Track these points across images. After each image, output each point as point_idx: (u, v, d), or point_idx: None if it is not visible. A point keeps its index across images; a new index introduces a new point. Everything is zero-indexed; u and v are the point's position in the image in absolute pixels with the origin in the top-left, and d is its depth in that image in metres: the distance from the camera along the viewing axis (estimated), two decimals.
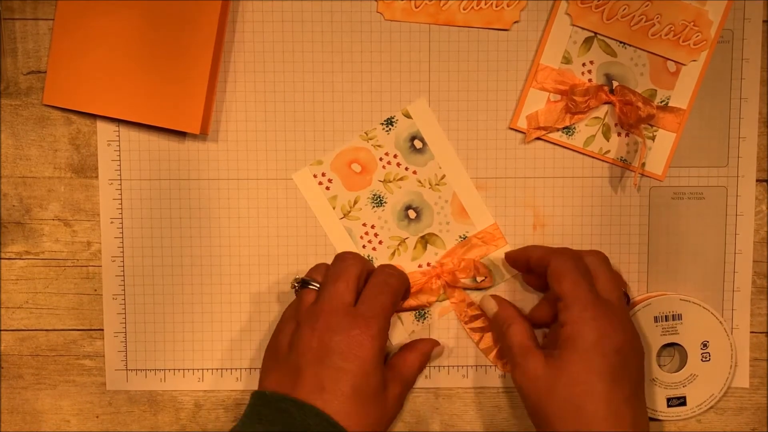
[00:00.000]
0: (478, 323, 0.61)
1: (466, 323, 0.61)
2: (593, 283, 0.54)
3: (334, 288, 0.54)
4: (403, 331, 0.61)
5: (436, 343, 0.60)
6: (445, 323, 0.62)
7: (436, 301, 0.61)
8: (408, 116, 0.61)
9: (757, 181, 0.61)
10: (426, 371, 0.62)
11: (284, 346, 0.54)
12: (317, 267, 0.57)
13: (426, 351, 0.59)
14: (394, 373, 0.56)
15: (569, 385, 0.51)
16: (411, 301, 0.60)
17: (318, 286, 0.55)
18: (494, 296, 0.60)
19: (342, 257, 0.56)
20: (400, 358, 0.58)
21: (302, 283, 0.56)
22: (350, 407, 0.51)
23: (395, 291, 0.55)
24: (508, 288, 0.61)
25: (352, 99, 0.60)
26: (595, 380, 0.51)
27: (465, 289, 0.61)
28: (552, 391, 0.51)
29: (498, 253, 0.61)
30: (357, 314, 0.53)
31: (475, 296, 0.61)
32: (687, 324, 0.60)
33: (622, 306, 0.54)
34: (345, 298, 0.53)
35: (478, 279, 0.60)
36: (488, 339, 0.61)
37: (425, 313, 0.61)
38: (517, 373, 0.54)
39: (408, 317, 0.61)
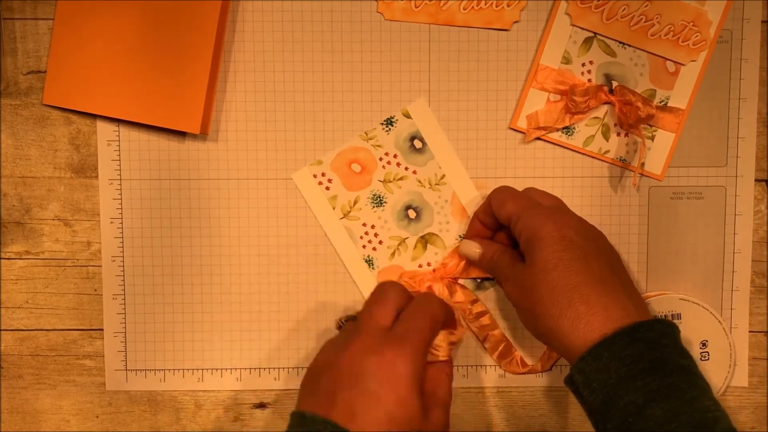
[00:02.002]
0: (484, 320, 0.61)
1: (471, 322, 0.61)
2: (534, 198, 0.56)
3: (370, 311, 0.52)
4: None
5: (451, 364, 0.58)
6: None
7: None
8: (408, 116, 0.61)
9: (755, 180, 0.61)
10: None
11: (321, 367, 0.52)
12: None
13: (446, 368, 0.56)
14: (430, 396, 0.54)
15: (548, 270, 0.51)
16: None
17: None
18: (473, 240, 0.59)
19: (382, 285, 0.54)
20: (429, 379, 0.55)
21: (348, 319, 0.56)
22: (374, 424, 0.48)
23: (434, 317, 0.53)
24: None
25: (352, 99, 0.60)
26: (568, 257, 0.51)
27: (467, 279, 0.61)
28: (537, 283, 0.51)
29: None
30: (391, 335, 0.51)
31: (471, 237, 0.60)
32: (686, 323, 0.60)
33: (567, 208, 0.56)
34: (381, 322, 0.52)
35: (479, 277, 0.60)
36: (493, 339, 0.61)
37: None
38: (508, 286, 0.55)
39: None
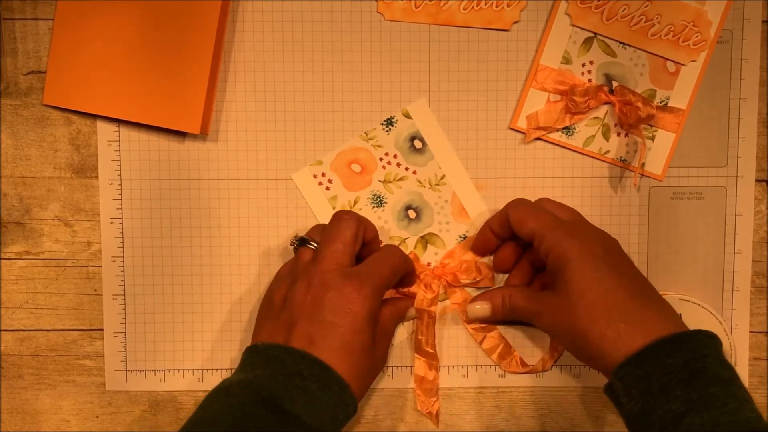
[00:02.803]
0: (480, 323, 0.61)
1: (468, 323, 0.61)
2: (553, 214, 0.56)
3: (330, 248, 0.54)
4: (402, 330, 0.62)
5: (411, 304, 0.60)
6: (445, 323, 0.62)
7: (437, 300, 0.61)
8: (408, 116, 0.61)
9: (756, 181, 0.61)
10: None
11: (278, 302, 0.54)
12: (316, 227, 0.58)
13: (401, 308, 0.59)
14: (379, 329, 0.56)
15: (583, 291, 0.51)
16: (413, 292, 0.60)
17: (316, 245, 0.55)
18: (476, 298, 0.59)
19: (338, 217, 0.55)
20: (380, 314, 0.57)
21: (300, 242, 0.56)
22: (339, 359, 0.51)
23: (395, 267, 0.55)
24: None
25: (352, 99, 0.60)
26: (601, 275, 0.51)
27: (465, 287, 0.61)
28: (573, 308, 0.52)
29: None
30: (351, 274, 0.53)
31: (475, 296, 0.61)
32: (686, 323, 0.60)
33: (586, 221, 0.57)
34: (340, 259, 0.54)
35: (478, 279, 0.60)
36: (490, 339, 0.61)
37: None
38: (540, 321, 0.55)
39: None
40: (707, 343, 0.49)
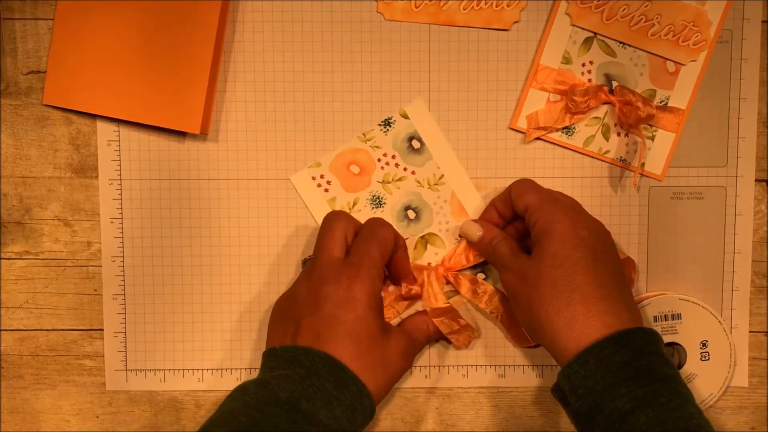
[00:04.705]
0: (494, 302, 0.60)
1: (480, 303, 0.60)
2: (553, 193, 0.56)
3: (321, 247, 0.55)
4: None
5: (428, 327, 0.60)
6: None
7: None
8: (405, 116, 0.61)
9: (756, 180, 0.61)
10: (426, 371, 0.62)
11: (284, 303, 0.56)
12: None
13: (418, 328, 0.59)
14: (401, 329, 0.57)
15: (555, 266, 0.52)
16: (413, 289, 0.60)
17: None
18: (475, 221, 0.60)
19: (327, 217, 0.57)
20: (410, 318, 0.60)
21: (310, 258, 0.58)
22: (346, 350, 0.51)
23: (381, 240, 0.56)
24: None
25: (352, 99, 0.60)
26: (578, 255, 0.52)
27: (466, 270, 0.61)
28: (541, 277, 0.52)
29: None
30: (346, 264, 0.54)
31: (477, 220, 0.60)
32: (686, 323, 0.60)
33: (583, 209, 0.57)
34: (333, 253, 0.55)
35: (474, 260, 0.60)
36: (505, 318, 0.60)
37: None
38: (507, 275, 0.55)
39: None
40: (650, 340, 0.50)
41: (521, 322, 0.56)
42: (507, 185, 0.60)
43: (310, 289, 0.54)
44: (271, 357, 0.53)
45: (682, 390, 0.49)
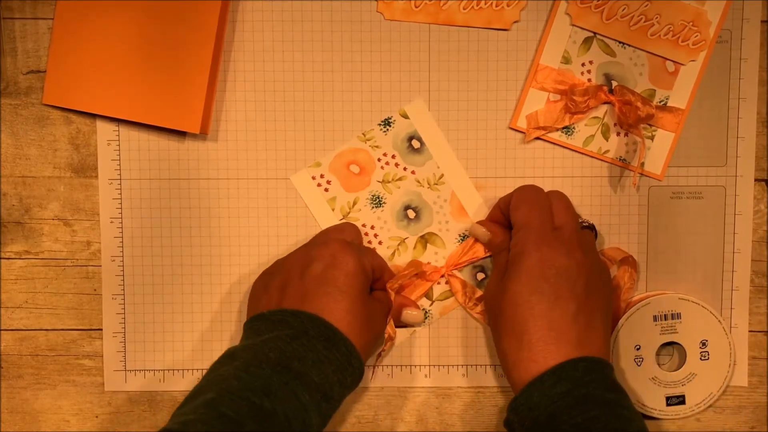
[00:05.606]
0: (482, 306, 0.61)
1: (471, 308, 0.61)
2: (548, 213, 0.55)
3: (325, 233, 0.59)
4: (405, 329, 0.61)
5: (416, 307, 0.60)
6: (445, 323, 0.62)
7: (436, 300, 0.61)
8: (405, 116, 0.61)
9: (755, 180, 0.61)
10: (426, 371, 0.62)
11: (269, 273, 0.57)
12: None
13: (405, 303, 0.60)
14: (376, 293, 0.58)
15: (512, 305, 0.53)
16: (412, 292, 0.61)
17: None
18: (483, 223, 0.60)
19: (344, 224, 0.60)
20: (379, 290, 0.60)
21: None
22: (335, 307, 0.52)
23: (377, 255, 0.59)
24: None
25: (352, 99, 0.60)
26: (535, 300, 0.52)
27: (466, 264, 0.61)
28: (501, 309, 0.54)
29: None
30: (338, 239, 0.56)
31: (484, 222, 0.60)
32: (686, 323, 0.60)
33: (575, 233, 0.55)
34: (330, 234, 0.58)
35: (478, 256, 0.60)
36: None
37: (426, 313, 0.61)
38: (487, 292, 0.58)
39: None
40: (591, 368, 0.51)
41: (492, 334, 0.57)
42: (506, 185, 0.61)
43: (297, 256, 0.55)
44: (257, 321, 0.53)
45: (625, 413, 0.50)
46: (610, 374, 0.52)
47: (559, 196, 0.57)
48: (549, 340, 0.52)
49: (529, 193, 0.57)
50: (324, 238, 0.57)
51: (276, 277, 0.55)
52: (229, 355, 0.51)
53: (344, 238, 0.56)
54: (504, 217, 0.59)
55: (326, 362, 0.51)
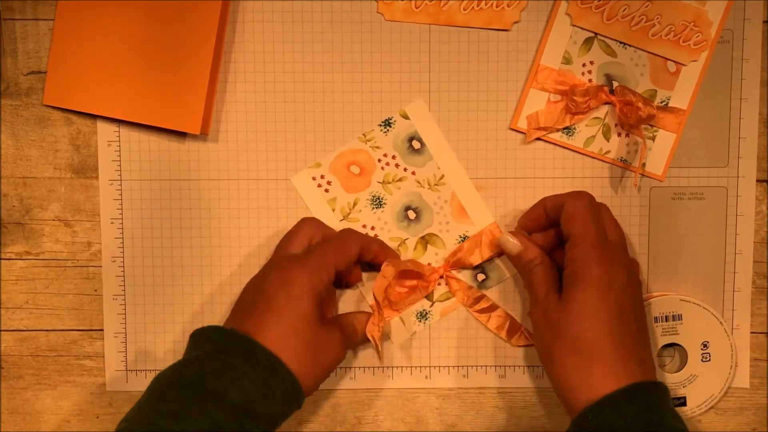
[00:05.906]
0: (482, 304, 0.61)
1: (470, 306, 0.61)
2: (603, 227, 0.55)
3: (282, 242, 0.58)
4: (405, 331, 0.61)
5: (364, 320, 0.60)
6: (446, 323, 0.62)
7: (436, 301, 0.61)
8: (405, 117, 0.61)
9: (757, 181, 0.61)
10: (426, 371, 0.62)
11: (242, 294, 0.57)
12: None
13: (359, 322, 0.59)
14: (336, 319, 0.58)
15: (579, 321, 0.52)
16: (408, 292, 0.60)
17: None
18: (514, 234, 0.58)
19: (299, 221, 0.59)
20: (348, 313, 0.60)
21: None
22: (273, 328, 0.52)
23: (340, 245, 0.56)
24: (506, 288, 0.61)
25: (352, 99, 0.60)
26: (604, 317, 0.52)
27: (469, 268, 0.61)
28: (566, 327, 0.52)
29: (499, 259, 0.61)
30: (294, 256, 0.56)
31: (513, 232, 0.59)
32: (687, 324, 0.60)
33: (626, 249, 0.56)
34: (289, 249, 0.57)
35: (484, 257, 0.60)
36: (497, 318, 0.60)
37: (427, 314, 0.61)
38: (535, 309, 0.55)
39: (410, 318, 0.61)
40: (661, 395, 0.51)
41: (540, 355, 0.55)
42: (507, 186, 0.60)
43: (256, 279, 0.56)
44: (190, 339, 0.54)
45: None
46: (671, 402, 0.52)
47: (606, 209, 0.57)
48: (618, 358, 0.51)
49: (585, 203, 0.55)
50: (277, 257, 0.57)
51: (244, 295, 0.56)
52: (155, 379, 0.51)
53: (301, 256, 0.55)
54: (546, 218, 0.57)
55: (245, 378, 0.50)
